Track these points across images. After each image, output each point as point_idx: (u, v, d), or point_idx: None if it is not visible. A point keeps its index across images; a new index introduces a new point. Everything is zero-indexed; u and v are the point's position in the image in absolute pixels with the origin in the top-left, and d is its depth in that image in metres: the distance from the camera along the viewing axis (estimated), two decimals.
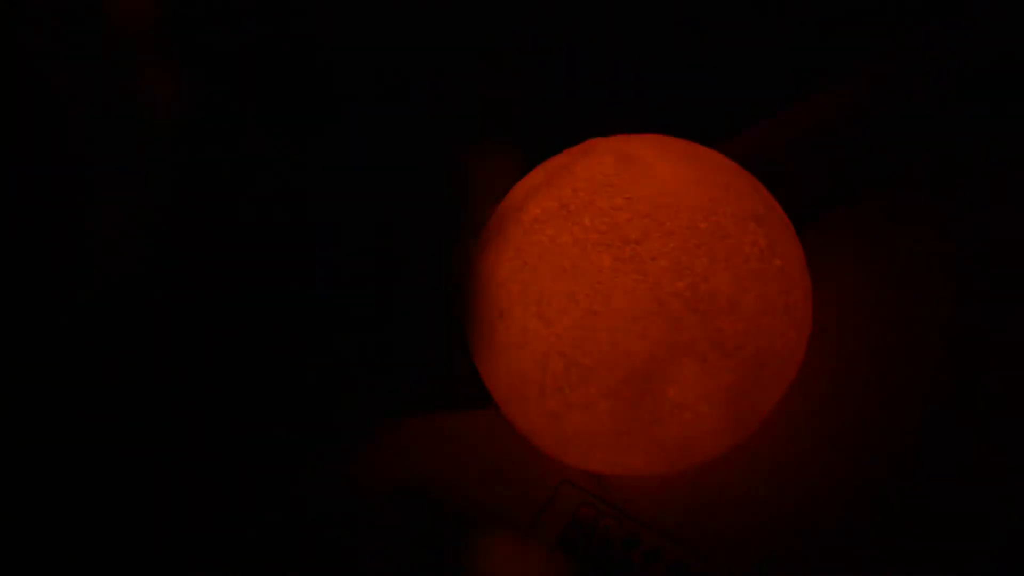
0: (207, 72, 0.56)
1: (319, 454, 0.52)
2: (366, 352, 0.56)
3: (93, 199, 0.52)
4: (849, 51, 0.59)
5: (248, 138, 0.59)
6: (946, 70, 0.58)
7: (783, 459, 0.48)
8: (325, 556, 0.47)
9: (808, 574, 0.44)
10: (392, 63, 0.60)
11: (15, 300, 0.51)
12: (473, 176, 0.60)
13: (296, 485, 0.50)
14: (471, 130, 0.62)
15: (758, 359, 0.42)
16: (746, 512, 0.46)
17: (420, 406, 0.53)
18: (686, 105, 0.58)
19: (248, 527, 0.48)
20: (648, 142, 0.45)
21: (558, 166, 0.45)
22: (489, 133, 0.62)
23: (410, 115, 0.61)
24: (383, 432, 0.52)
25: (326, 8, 0.58)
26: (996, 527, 0.43)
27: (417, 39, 0.60)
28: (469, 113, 0.61)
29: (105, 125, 0.54)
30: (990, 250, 0.53)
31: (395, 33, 0.59)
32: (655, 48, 0.62)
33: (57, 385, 0.51)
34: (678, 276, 0.40)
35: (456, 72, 0.61)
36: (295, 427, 0.53)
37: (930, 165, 0.57)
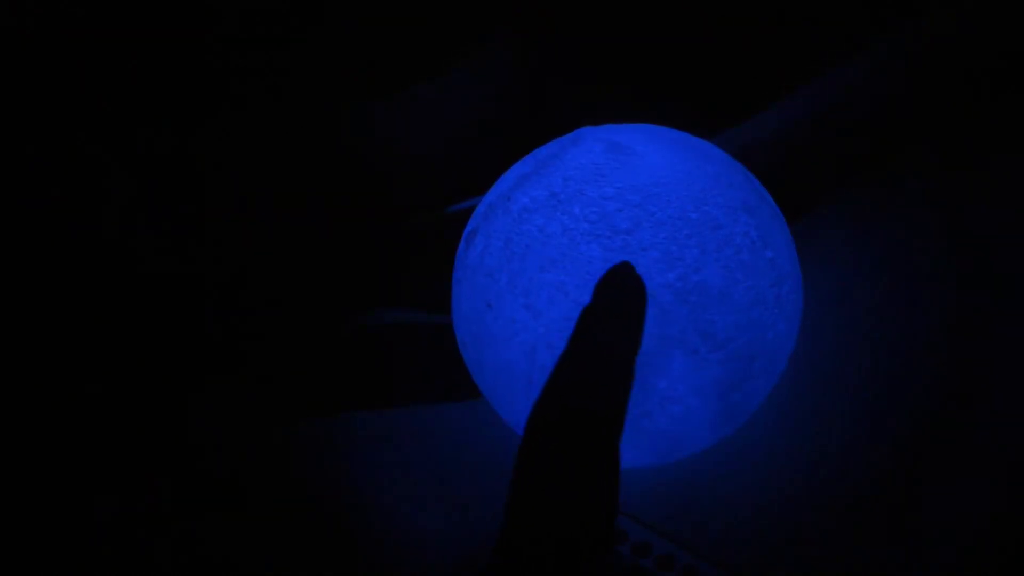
0: None
1: (307, 444, 0.51)
2: (352, 344, 0.56)
3: None
4: (841, 42, 0.59)
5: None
6: (938, 61, 0.58)
7: (772, 453, 0.47)
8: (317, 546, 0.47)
9: (797, 568, 0.44)
10: (385, 47, 0.60)
11: None
12: (462, 165, 0.60)
13: (284, 476, 0.50)
14: (462, 119, 0.61)
15: (749, 351, 0.41)
16: (735, 506, 0.46)
17: (407, 397, 0.53)
18: (677, 94, 0.58)
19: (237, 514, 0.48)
20: (639, 131, 0.44)
21: (548, 155, 0.44)
22: (480, 121, 0.61)
23: (401, 103, 0.60)
24: (369, 424, 0.52)
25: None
26: (989, 523, 0.43)
27: (409, 25, 0.60)
28: (461, 101, 0.61)
29: None
30: (983, 241, 0.52)
31: (389, 17, 0.59)
32: (647, 37, 0.61)
33: None
34: (668, 267, 0.40)
35: (448, 59, 0.60)
36: (279, 416, 0.53)
37: (922, 156, 0.57)
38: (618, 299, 0.34)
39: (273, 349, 0.56)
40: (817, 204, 0.56)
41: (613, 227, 0.40)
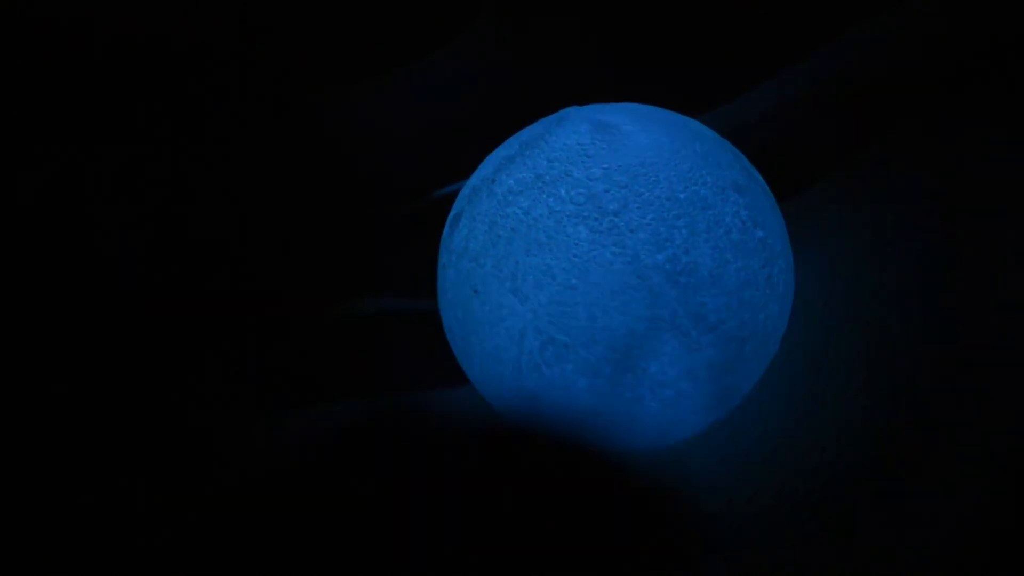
0: None
1: (298, 432, 0.51)
2: (337, 332, 0.56)
3: None
4: (831, 22, 0.58)
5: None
6: (926, 41, 0.58)
7: (765, 435, 0.47)
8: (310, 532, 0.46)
9: (790, 549, 0.44)
10: (366, 33, 0.59)
11: None
12: (445, 148, 0.59)
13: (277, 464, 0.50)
14: (445, 101, 0.61)
15: (740, 333, 0.41)
16: (727, 489, 0.46)
17: (393, 385, 0.52)
18: (664, 74, 0.58)
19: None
20: (625, 111, 0.43)
21: (532, 136, 0.43)
22: (463, 103, 0.61)
23: (383, 87, 0.60)
24: (359, 411, 0.52)
25: None
26: (979, 501, 0.43)
27: (391, 9, 0.59)
28: (444, 83, 0.61)
29: None
30: (973, 222, 0.52)
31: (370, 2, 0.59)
32: (633, 16, 0.61)
33: None
34: (658, 248, 0.39)
35: (431, 41, 0.60)
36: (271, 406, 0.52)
37: (913, 137, 0.57)
38: None
39: (259, 337, 0.55)
40: (808, 183, 0.56)
41: (601, 208, 0.39)
